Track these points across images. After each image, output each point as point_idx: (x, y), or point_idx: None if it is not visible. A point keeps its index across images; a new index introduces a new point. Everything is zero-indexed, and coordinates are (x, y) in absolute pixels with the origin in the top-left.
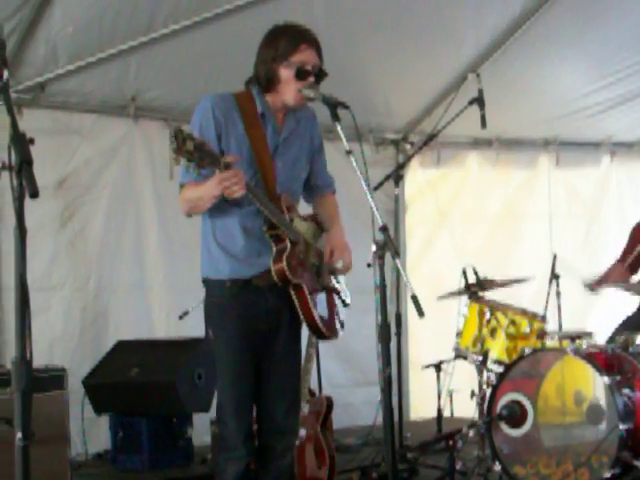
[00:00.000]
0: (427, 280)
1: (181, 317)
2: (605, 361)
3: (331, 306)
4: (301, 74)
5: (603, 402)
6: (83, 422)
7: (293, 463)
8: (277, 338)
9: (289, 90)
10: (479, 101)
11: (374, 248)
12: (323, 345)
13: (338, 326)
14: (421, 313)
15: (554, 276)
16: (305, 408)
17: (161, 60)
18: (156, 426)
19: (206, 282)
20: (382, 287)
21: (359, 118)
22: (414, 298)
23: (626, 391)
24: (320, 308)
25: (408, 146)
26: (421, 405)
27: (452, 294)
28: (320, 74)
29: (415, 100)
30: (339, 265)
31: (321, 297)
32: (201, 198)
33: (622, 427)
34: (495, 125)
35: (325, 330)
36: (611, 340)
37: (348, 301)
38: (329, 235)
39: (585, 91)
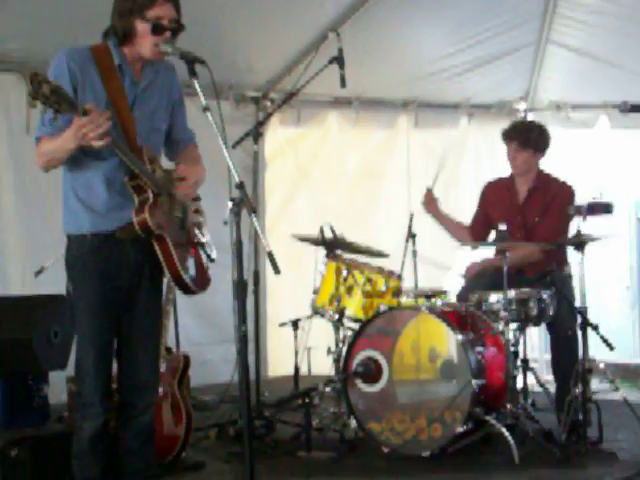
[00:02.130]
0: (286, 238)
1: (37, 274)
2: (459, 319)
3: (197, 260)
4: (157, 29)
5: (456, 359)
6: None
7: (153, 420)
8: (138, 293)
9: (145, 44)
10: (339, 60)
11: (230, 205)
12: (181, 302)
13: (205, 280)
14: (277, 270)
15: (411, 235)
16: (162, 366)
17: (18, 11)
18: (11, 384)
19: (68, 238)
20: (238, 244)
21: (219, 74)
22: (270, 255)
23: (479, 348)
24: (188, 262)
25: (268, 104)
26: (279, 362)
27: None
28: (177, 28)
29: (276, 58)
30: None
31: (187, 251)
32: (57, 150)
33: (474, 383)
34: (355, 85)
35: (191, 284)
36: (460, 297)
37: (214, 256)
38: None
39: (445, 53)
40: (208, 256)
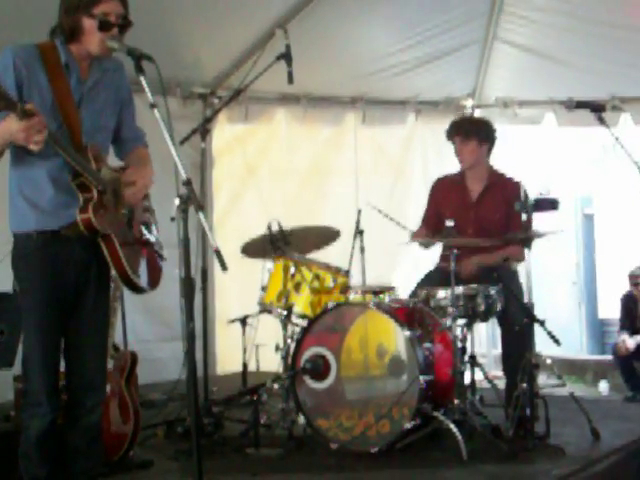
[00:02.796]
0: (234, 235)
1: None
2: (407, 315)
3: (149, 258)
4: (104, 25)
5: (404, 355)
6: None
7: (101, 419)
8: (86, 291)
9: (93, 41)
10: (286, 57)
11: (177, 202)
12: (129, 299)
13: (155, 279)
14: (224, 267)
15: (358, 231)
16: (109, 363)
17: None
18: None
19: (14, 236)
20: (185, 241)
21: (166, 71)
22: (217, 252)
23: (426, 344)
24: (139, 261)
25: (216, 100)
26: (228, 359)
27: (255, 243)
28: (125, 24)
29: (224, 54)
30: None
31: (137, 250)
32: None
33: (422, 379)
34: (303, 82)
35: (139, 282)
36: (413, 295)
37: (164, 255)
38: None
39: (392, 50)
40: (159, 255)
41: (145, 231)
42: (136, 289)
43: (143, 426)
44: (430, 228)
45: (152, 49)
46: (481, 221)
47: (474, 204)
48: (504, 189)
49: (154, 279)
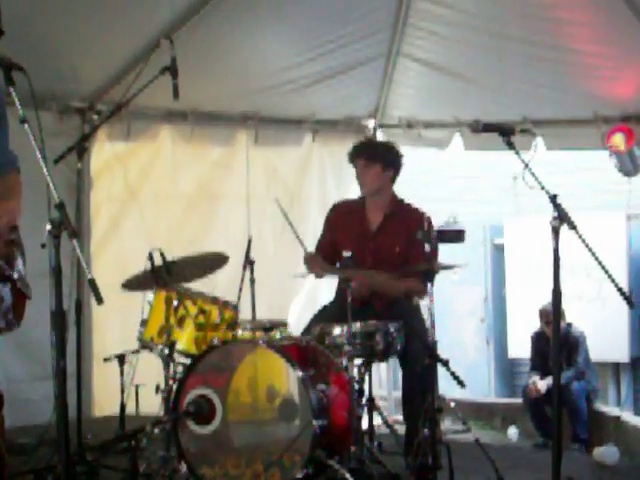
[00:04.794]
0: (114, 264)
1: None
2: (300, 354)
3: (15, 294)
4: None
5: (296, 398)
6: None
7: None
8: None
9: None
10: (172, 70)
11: (49, 227)
12: None
13: (12, 320)
14: (99, 299)
15: (249, 262)
16: None
17: None
18: None
19: None
20: (57, 270)
21: (40, 82)
22: (91, 282)
23: (321, 386)
24: None
25: (95, 116)
26: (106, 401)
27: (137, 278)
28: None
29: (104, 65)
30: None
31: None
32: None
33: (316, 424)
34: (190, 97)
35: None
36: (307, 331)
37: (29, 293)
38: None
39: (288, 64)
40: (23, 292)
41: (4, 266)
42: None
43: (9, 474)
44: (321, 257)
45: (24, 58)
46: (380, 253)
47: (373, 235)
48: (407, 220)
49: (8, 320)
